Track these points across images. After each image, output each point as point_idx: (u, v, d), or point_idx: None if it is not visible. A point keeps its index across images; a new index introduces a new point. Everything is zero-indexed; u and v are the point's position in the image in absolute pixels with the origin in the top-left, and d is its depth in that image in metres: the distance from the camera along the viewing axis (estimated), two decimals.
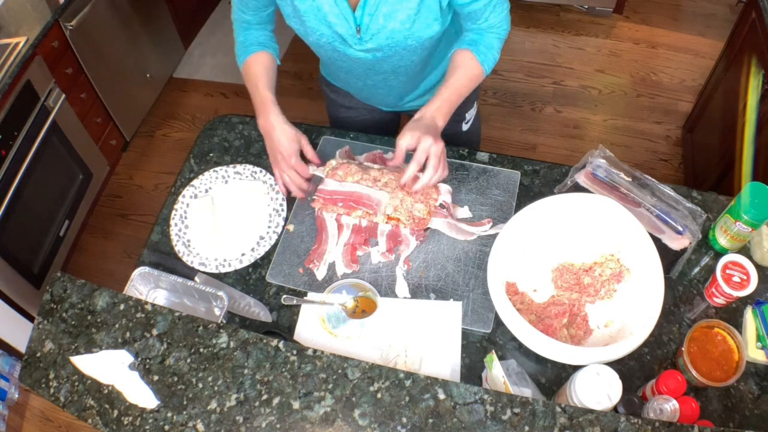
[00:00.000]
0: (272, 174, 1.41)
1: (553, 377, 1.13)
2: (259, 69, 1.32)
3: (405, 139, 1.15)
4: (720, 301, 1.17)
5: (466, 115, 1.56)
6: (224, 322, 1.17)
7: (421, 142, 1.14)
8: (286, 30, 1.31)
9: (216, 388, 1.01)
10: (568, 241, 1.23)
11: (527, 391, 1.06)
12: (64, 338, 1.09)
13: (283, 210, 1.35)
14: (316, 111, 2.61)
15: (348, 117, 1.58)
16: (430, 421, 0.95)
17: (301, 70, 1.30)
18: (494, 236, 1.20)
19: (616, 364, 1.04)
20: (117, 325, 1.08)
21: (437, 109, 1.20)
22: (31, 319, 2.12)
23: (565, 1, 3.08)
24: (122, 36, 2.63)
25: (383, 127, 1.59)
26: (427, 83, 1.41)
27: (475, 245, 1.28)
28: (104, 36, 2.48)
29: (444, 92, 1.21)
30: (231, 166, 1.43)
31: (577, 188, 1.29)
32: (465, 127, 1.58)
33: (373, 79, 1.32)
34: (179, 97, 3.03)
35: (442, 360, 1.15)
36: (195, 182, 1.41)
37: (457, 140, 1.54)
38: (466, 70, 1.24)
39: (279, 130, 1.27)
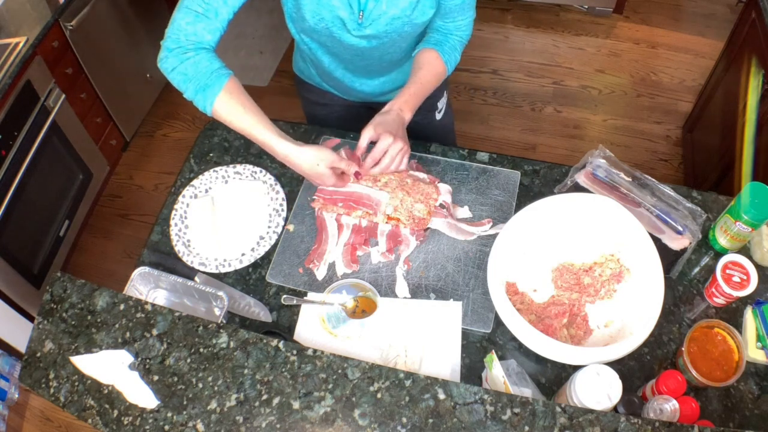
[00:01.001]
0: (272, 174, 1.41)
1: (553, 377, 1.13)
2: (240, 101, 1.16)
3: (368, 132, 1.21)
4: (720, 301, 1.17)
5: (438, 104, 1.60)
6: (224, 322, 1.17)
7: (381, 139, 1.21)
8: (287, 29, 1.31)
9: (216, 388, 1.01)
10: (568, 241, 1.23)
11: (527, 391, 1.06)
12: (64, 338, 1.09)
13: (283, 210, 1.35)
14: None
15: (323, 114, 1.61)
16: (430, 421, 0.94)
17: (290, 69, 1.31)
18: (494, 236, 1.20)
19: (616, 364, 1.04)
20: (117, 325, 1.08)
21: (404, 102, 1.26)
22: (31, 319, 2.12)
23: (565, 1, 3.08)
24: (122, 36, 2.63)
25: (357, 122, 1.59)
26: (405, 71, 1.41)
27: (475, 245, 1.28)
28: (104, 36, 2.48)
29: (411, 87, 1.28)
30: (231, 166, 1.43)
31: (577, 188, 1.29)
32: (438, 116, 1.62)
33: (357, 64, 1.34)
34: (179, 97, 2.98)
35: (442, 360, 1.15)
36: (195, 182, 1.41)
37: (431, 129, 1.60)
38: (432, 67, 1.30)
39: (303, 163, 1.17)
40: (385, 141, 1.21)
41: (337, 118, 1.59)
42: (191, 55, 1.11)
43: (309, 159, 1.17)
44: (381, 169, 1.26)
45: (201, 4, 1.09)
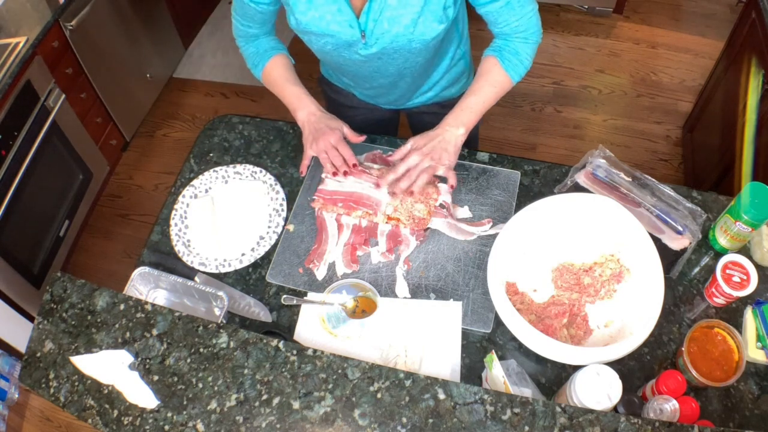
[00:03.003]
0: (272, 174, 1.41)
1: (553, 377, 1.13)
2: (281, 70, 1.36)
3: (406, 146, 1.25)
4: (720, 301, 1.17)
5: None
6: (224, 322, 1.17)
7: (409, 157, 1.22)
8: (287, 29, 1.31)
9: (216, 388, 1.01)
10: (568, 241, 1.23)
11: (527, 391, 1.06)
12: (64, 338, 1.09)
13: (283, 210, 1.35)
14: None
15: (349, 116, 1.57)
16: (430, 421, 0.94)
17: (301, 70, 1.29)
18: (494, 236, 1.20)
19: (616, 364, 1.04)
20: (117, 325, 1.08)
21: (454, 117, 1.23)
22: (31, 319, 2.12)
23: (565, 1, 3.08)
24: (122, 36, 2.63)
25: (384, 126, 1.59)
26: (432, 81, 1.41)
27: (475, 245, 1.28)
28: (104, 36, 2.48)
29: (466, 99, 1.24)
30: (231, 166, 1.43)
31: (577, 188, 1.29)
32: None
33: (379, 81, 1.33)
34: (179, 97, 3.03)
35: (442, 360, 1.15)
36: (195, 182, 1.41)
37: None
38: (490, 76, 1.24)
39: (320, 117, 1.32)
40: (412, 159, 1.21)
41: (363, 121, 1.55)
42: (250, 42, 1.38)
43: (335, 122, 1.33)
44: (400, 188, 1.22)
45: (242, 21, 1.32)
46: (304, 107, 1.33)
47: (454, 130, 1.22)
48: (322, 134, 1.30)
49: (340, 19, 1.14)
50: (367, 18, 1.13)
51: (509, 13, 1.17)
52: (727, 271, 1.13)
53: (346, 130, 1.34)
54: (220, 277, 1.29)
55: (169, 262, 1.32)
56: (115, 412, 1.02)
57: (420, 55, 1.23)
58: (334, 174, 1.32)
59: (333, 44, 1.19)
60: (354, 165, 1.30)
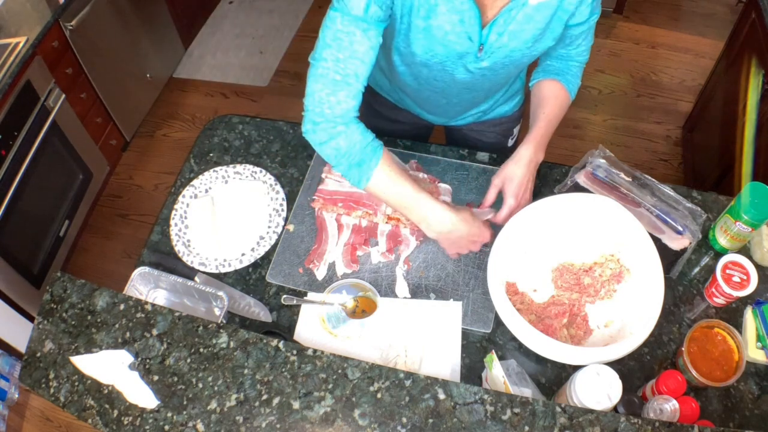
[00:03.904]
0: (272, 174, 1.41)
1: (553, 377, 1.13)
2: (397, 171, 1.10)
3: (494, 189, 1.21)
4: (720, 301, 1.17)
5: (514, 131, 1.55)
6: (224, 322, 1.17)
7: (505, 206, 1.19)
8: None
9: (216, 388, 1.01)
10: (568, 241, 1.23)
11: (527, 391, 1.06)
12: (64, 338, 1.09)
13: (283, 210, 1.35)
14: None
15: (390, 129, 1.46)
16: (430, 421, 0.94)
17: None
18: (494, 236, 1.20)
19: (616, 364, 1.04)
20: (117, 325, 1.08)
21: (537, 147, 1.20)
22: (31, 319, 2.12)
23: None
24: (122, 36, 2.63)
25: (426, 139, 1.55)
26: (495, 98, 1.39)
27: None
28: (104, 36, 2.48)
29: (541, 127, 1.21)
30: (231, 166, 1.43)
31: (577, 188, 1.29)
32: (510, 142, 1.56)
33: (458, 97, 1.27)
34: (179, 97, 3.03)
35: (442, 360, 1.15)
36: (195, 182, 1.41)
37: (500, 156, 1.49)
38: (558, 101, 1.24)
39: (469, 224, 1.14)
40: (510, 200, 1.19)
41: (403, 133, 1.48)
42: (342, 129, 1.05)
43: (468, 218, 1.14)
44: (500, 218, 1.20)
45: (338, 71, 1.02)
46: (434, 217, 1.12)
47: (541, 157, 1.22)
48: (474, 241, 1.18)
49: (460, 30, 1.04)
50: (490, 31, 1.05)
51: (584, 38, 1.20)
52: (727, 271, 1.13)
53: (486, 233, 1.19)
54: (220, 277, 1.29)
55: (169, 262, 1.32)
56: (115, 412, 1.02)
57: (518, 69, 1.20)
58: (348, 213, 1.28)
59: (442, 56, 1.09)
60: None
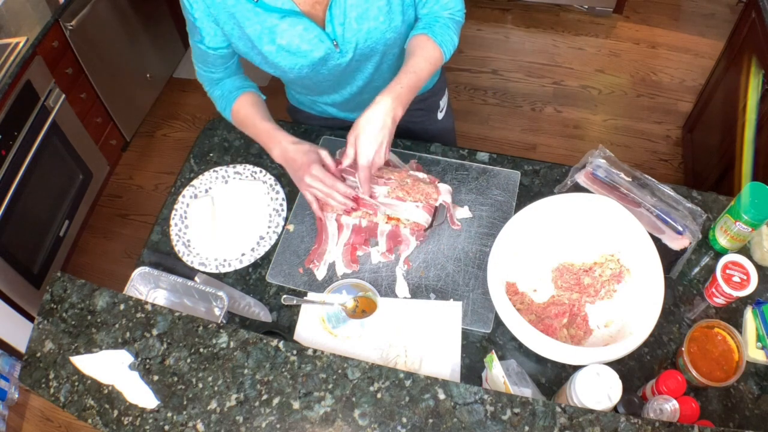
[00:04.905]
0: (272, 174, 1.41)
1: (553, 377, 1.13)
2: (248, 109, 1.28)
3: (350, 147, 1.14)
4: (720, 301, 1.17)
5: (440, 103, 1.56)
6: (224, 322, 1.17)
7: (360, 166, 1.15)
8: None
9: (216, 388, 1.01)
10: (568, 241, 1.23)
11: (527, 391, 1.06)
12: (64, 338, 1.09)
13: (283, 210, 1.35)
14: None
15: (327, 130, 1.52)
16: (430, 421, 0.94)
17: (278, 104, 1.31)
18: (494, 236, 1.20)
19: (616, 364, 1.04)
20: (117, 325, 1.08)
21: (396, 98, 1.12)
22: (31, 319, 2.13)
23: (565, 1, 3.08)
24: (122, 36, 2.63)
25: None
26: None
27: (475, 245, 1.28)
28: (104, 36, 2.48)
29: (403, 78, 1.14)
30: (231, 166, 1.43)
31: (577, 188, 1.29)
32: (440, 115, 1.58)
33: (358, 85, 1.30)
34: (179, 97, 3.03)
35: (442, 360, 1.15)
36: (195, 182, 1.41)
37: (434, 129, 1.56)
38: (424, 51, 1.18)
39: (293, 150, 1.20)
40: (349, 157, 1.15)
41: (341, 129, 1.50)
42: (215, 86, 1.33)
43: (304, 148, 1.21)
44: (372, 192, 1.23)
45: (203, 67, 1.28)
46: (275, 142, 1.23)
47: (399, 112, 1.13)
48: (301, 169, 1.20)
49: (309, 36, 1.11)
50: (332, 26, 1.11)
51: None
52: (727, 271, 1.13)
53: (323, 154, 1.21)
54: (220, 277, 1.29)
55: (169, 262, 1.32)
56: (115, 412, 1.02)
57: (396, 45, 1.21)
58: (347, 213, 1.27)
59: (309, 64, 1.16)
60: (355, 197, 1.22)
